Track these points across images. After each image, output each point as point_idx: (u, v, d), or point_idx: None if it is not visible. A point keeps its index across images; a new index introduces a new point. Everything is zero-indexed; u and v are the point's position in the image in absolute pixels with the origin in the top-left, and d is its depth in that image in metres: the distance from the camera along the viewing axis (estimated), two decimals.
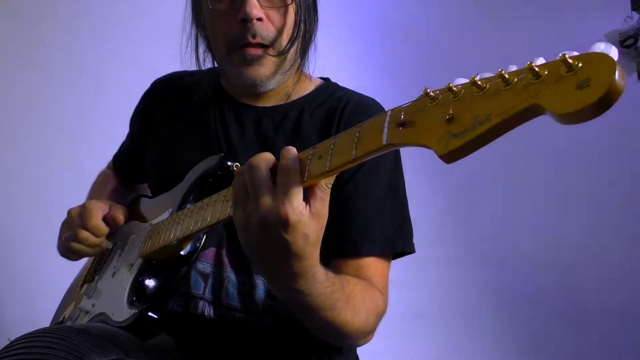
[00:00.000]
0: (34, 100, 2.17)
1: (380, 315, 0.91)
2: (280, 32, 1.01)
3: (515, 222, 2.48)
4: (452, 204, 2.51)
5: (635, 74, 2.42)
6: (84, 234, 1.09)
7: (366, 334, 0.90)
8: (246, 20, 0.98)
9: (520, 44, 2.40)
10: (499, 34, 2.50)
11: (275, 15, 1.01)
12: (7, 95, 2.16)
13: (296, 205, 0.66)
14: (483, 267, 2.47)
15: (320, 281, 0.75)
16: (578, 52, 0.46)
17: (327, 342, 0.98)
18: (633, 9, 2.43)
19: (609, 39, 2.40)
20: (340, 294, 0.79)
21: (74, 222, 1.11)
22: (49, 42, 2.20)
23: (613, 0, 2.48)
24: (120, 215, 1.12)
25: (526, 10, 2.53)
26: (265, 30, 1.00)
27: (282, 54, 1.03)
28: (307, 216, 0.67)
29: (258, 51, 1.00)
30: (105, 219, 1.11)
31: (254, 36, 0.99)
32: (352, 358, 1.11)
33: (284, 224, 0.66)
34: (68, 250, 1.12)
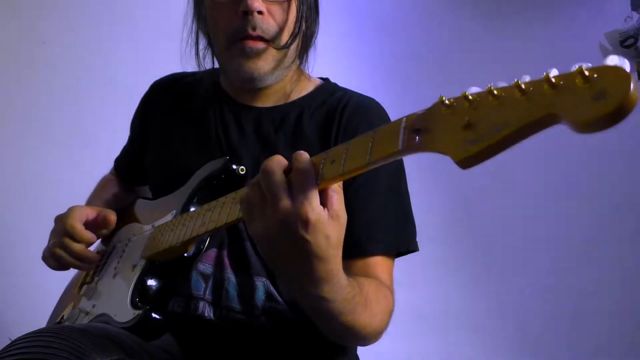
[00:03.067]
0: (35, 101, 2.17)
1: (391, 314, 0.91)
2: (281, 27, 1.02)
3: (515, 222, 2.49)
4: (453, 205, 2.51)
5: (636, 73, 2.42)
6: (66, 240, 1.07)
7: (380, 334, 0.90)
8: (247, 13, 0.98)
9: (520, 44, 2.40)
10: (498, 34, 2.51)
11: (276, 10, 1.01)
12: (7, 96, 2.16)
13: (315, 205, 0.65)
14: (483, 267, 2.47)
15: (343, 286, 0.74)
16: (589, 61, 0.47)
17: (341, 344, 0.99)
18: (633, 9, 2.43)
19: (609, 39, 2.40)
20: (359, 298, 0.79)
21: (57, 227, 1.11)
22: (49, 42, 2.20)
23: (613, 0, 2.48)
24: (111, 216, 1.11)
25: (526, 10, 2.54)
26: (266, 23, 1.00)
27: (283, 48, 1.03)
28: (326, 217, 0.66)
29: (258, 44, 1.00)
30: (89, 224, 1.10)
31: (254, 29, 0.99)
32: (352, 358, 1.11)
33: (305, 223, 0.65)
34: (52, 256, 1.11)
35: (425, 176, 2.25)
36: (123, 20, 2.26)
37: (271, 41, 1.01)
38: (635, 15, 2.43)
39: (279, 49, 1.02)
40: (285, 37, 1.02)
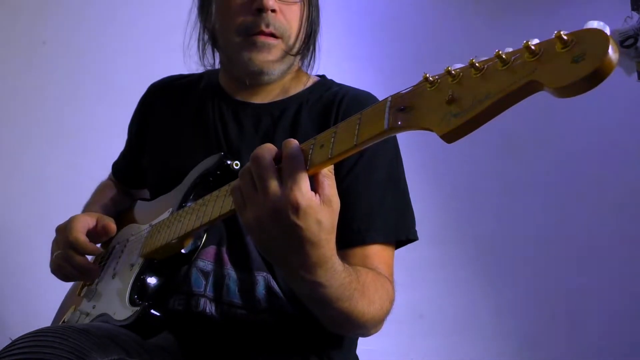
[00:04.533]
0: (35, 101, 2.17)
1: (391, 303, 0.91)
2: (291, 27, 1.05)
3: (515, 222, 2.49)
4: (452, 204, 2.51)
5: (636, 74, 2.42)
6: (69, 251, 1.07)
7: (379, 323, 0.90)
8: (262, 10, 1.01)
9: (518, 44, 2.40)
10: (497, 33, 2.51)
11: (288, 10, 1.05)
12: (7, 96, 2.16)
13: (305, 191, 0.65)
14: (483, 267, 2.47)
15: (339, 272, 0.75)
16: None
17: (340, 333, 1.00)
18: (633, 9, 2.44)
19: None
20: (356, 284, 0.80)
21: (60, 238, 1.10)
22: (49, 42, 2.20)
23: (613, 0, 2.48)
24: (110, 224, 1.10)
25: (525, 10, 2.54)
26: (278, 22, 1.03)
27: (296, 54, 1.07)
28: (317, 202, 0.67)
29: (269, 39, 1.03)
30: (90, 233, 1.09)
31: (267, 26, 1.02)
32: (352, 356, 1.11)
33: (295, 209, 0.65)
34: (58, 269, 1.10)
35: (426, 176, 2.25)
36: (123, 20, 2.26)
37: (281, 38, 1.04)
38: (635, 15, 2.44)
39: (291, 54, 1.06)
40: (294, 36, 1.06)
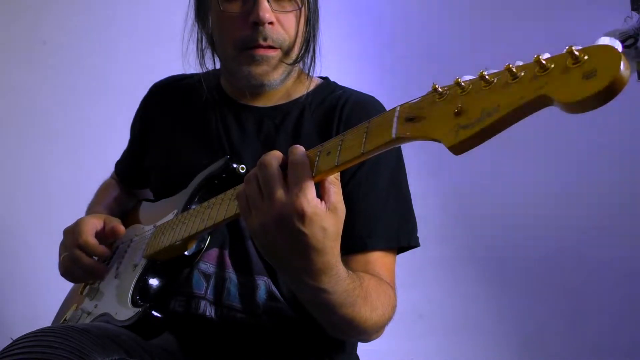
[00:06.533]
0: (35, 101, 2.17)
1: (394, 309, 0.91)
2: (290, 35, 1.04)
3: (515, 222, 2.49)
4: (452, 204, 2.51)
5: (635, 73, 2.42)
6: (77, 253, 1.06)
7: (380, 329, 0.90)
8: (258, 24, 0.99)
9: (519, 44, 2.40)
10: (498, 34, 2.50)
11: (286, 19, 1.03)
12: (7, 95, 2.16)
13: (310, 198, 0.66)
14: (483, 267, 2.47)
15: (343, 278, 0.75)
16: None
17: (341, 338, 1.01)
18: (633, 9, 2.43)
19: None
20: (359, 290, 0.80)
21: (68, 241, 1.10)
22: (49, 42, 2.20)
23: (613, 0, 2.48)
24: (119, 225, 1.10)
25: (526, 10, 2.54)
26: (276, 33, 1.02)
27: (295, 62, 1.06)
28: (323, 209, 0.67)
29: (268, 52, 1.02)
30: (98, 234, 1.09)
31: (265, 39, 1.01)
32: (352, 358, 1.12)
33: (301, 216, 0.65)
34: (67, 271, 1.10)
35: (426, 176, 2.25)
36: (123, 20, 2.26)
37: (279, 48, 1.03)
38: (635, 15, 2.43)
39: (291, 63, 1.05)
40: (294, 46, 1.04)
